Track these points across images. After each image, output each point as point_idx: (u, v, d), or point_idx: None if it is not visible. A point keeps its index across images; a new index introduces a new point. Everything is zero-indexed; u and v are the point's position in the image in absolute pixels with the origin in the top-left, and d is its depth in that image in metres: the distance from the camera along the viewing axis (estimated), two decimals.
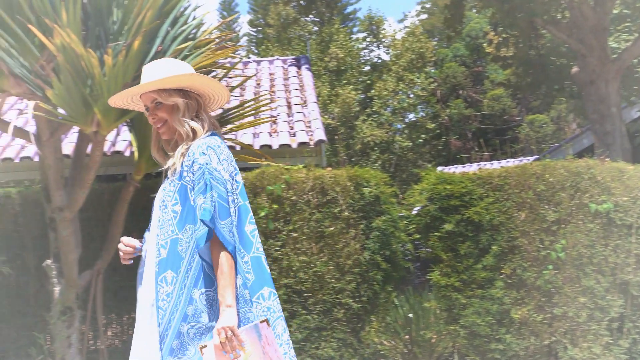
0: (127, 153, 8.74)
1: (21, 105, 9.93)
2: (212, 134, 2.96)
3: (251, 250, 2.87)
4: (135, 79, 5.41)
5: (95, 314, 6.93)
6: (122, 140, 8.96)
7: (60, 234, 6.44)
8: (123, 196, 6.66)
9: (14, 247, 7.40)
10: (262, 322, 2.77)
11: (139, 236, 7.07)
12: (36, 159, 8.62)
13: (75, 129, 7.31)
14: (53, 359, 6.80)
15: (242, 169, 7.51)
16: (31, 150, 8.80)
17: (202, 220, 2.72)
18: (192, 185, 2.83)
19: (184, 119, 2.95)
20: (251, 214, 2.92)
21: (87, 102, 5.46)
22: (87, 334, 6.94)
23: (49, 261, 6.75)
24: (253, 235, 2.89)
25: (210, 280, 2.77)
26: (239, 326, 2.75)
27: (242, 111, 6.87)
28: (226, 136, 7.16)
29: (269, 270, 2.91)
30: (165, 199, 2.95)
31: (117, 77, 5.20)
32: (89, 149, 7.19)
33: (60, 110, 5.67)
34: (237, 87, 7.08)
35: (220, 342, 2.68)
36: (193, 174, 2.83)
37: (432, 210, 7.44)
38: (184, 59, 5.65)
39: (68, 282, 6.61)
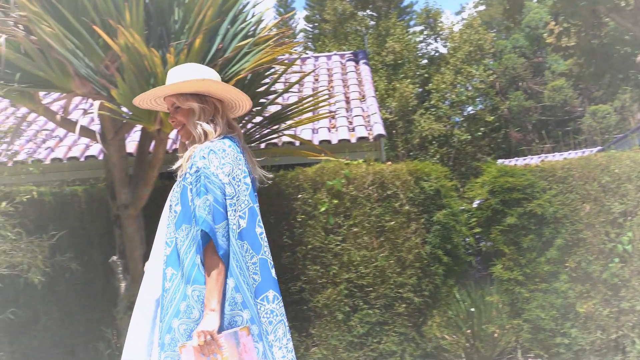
0: None
1: (85, 105, 10.14)
2: (225, 137, 3.04)
3: (260, 252, 2.95)
4: None
5: None
6: None
7: (125, 231, 6.57)
8: None
9: (81, 244, 7.56)
10: (241, 329, 2.81)
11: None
12: (100, 157, 8.79)
13: (138, 127, 7.44)
14: (120, 354, 6.92)
15: (301, 165, 7.57)
16: (96, 149, 8.99)
17: (202, 230, 2.81)
18: (191, 187, 2.93)
19: (199, 122, 3.05)
20: (259, 217, 2.99)
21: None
22: None
23: (114, 257, 6.89)
24: (262, 237, 2.98)
25: (203, 278, 2.83)
26: (224, 328, 2.81)
27: (301, 107, 6.90)
28: (285, 132, 7.20)
29: (274, 275, 2.99)
30: (172, 198, 3.10)
31: None
32: (151, 147, 7.33)
33: (124, 109, 5.78)
34: (296, 83, 7.10)
35: (199, 345, 2.75)
36: (192, 176, 2.94)
37: (494, 203, 7.35)
38: (244, 56, 5.70)
39: (134, 277, 6.73)
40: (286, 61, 7.27)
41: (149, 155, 7.08)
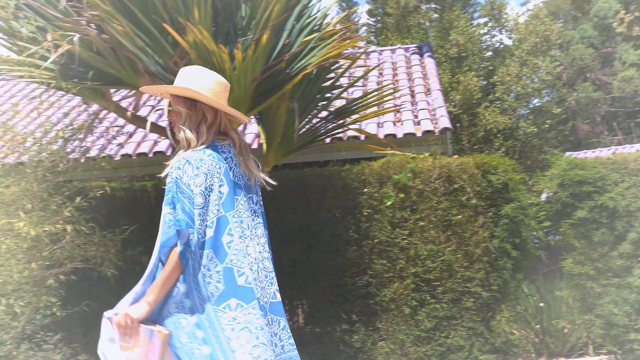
0: (254, 146, 8.93)
1: (153, 102, 10.32)
2: (209, 146, 3.10)
3: (224, 261, 3.00)
4: (264, 72, 5.53)
5: None
6: (249, 133, 9.16)
7: None
8: None
9: (150, 238, 7.66)
10: (158, 332, 2.92)
11: (270, 229, 7.18)
12: (169, 153, 8.93)
13: None
14: None
15: (367, 159, 7.56)
16: (164, 145, 9.13)
17: (177, 231, 2.96)
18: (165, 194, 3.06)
19: (183, 127, 3.13)
20: (231, 225, 3.03)
21: None
22: None
23: None
24: (229, 246, 3.02)
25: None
26: (163, 324, 2.98)
27: (366, 101, 6.89)
28: (351, 126, 7.19)
29: (241, 283, 3.00)
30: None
31: (247, 71, 5.32)
32: None
33: None
34: (361, 77, 7.10)
35: (119, 323, 2.95)
36: (167, 185, 3.05)
37: (564, 196, 7.23)
38: (310, 51, 5.71)
39: None
40: (351, 55, 7.27)
41: None
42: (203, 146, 3.10)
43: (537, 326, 7.94)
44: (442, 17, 27.88)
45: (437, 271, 7.09)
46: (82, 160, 6.89)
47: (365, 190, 7.32)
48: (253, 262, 3.09)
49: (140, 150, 9.16)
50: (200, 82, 3.14)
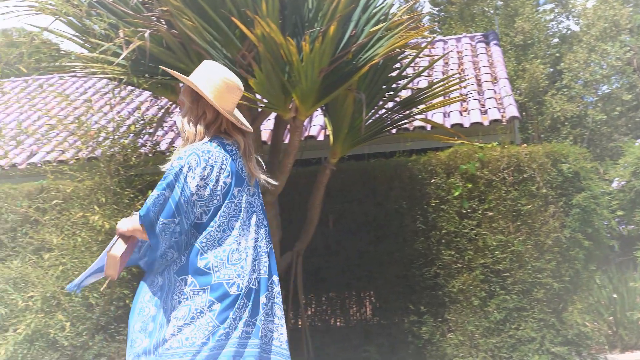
0: (320, 137, 8.94)
1: None
2: (215, 139, 3.19)
3: (197, 241, 3.12)
4: (331, 64, 5.53)
5: (296, 294, 7.17)
6: (315, 125, 9.18)
7: None
8: (320, 179, 6.83)
9: None
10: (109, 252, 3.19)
11: (336, 220, 7.27)
12: None
13: (271, 116, 7.58)
14: None
15: (433, 149, 7.51)
16: None
17: (140, 214, 3.09)
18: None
19: (183, 118, 3.25)
20: (221, 213, 3.15)
21: (285, 89, 5.65)
22: (289, 313, 7.20)
23: None
24: (209, 231, 3.13)
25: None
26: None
27: (432, 91, 6.83)
28: (417, 117, 7.14)
29: (201, 265, 3.11)
30: None
31: (314, 63, 5.33)
32: (285, 135, 7.46)
33: (259, 97, 5.90)
34: (428, 67, 7.04)
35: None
36: (167, 171, 3.15)
37: (638, 185, 7.05)
38: (377, 41, 5.69)
39: None
40: (417, 45, 7.22)
41: (282, 143, 7.22)
42: (207, 139, 3.18)
43: (610, 318, 7.79)
44: (507, 5, 27.43)
45: (506, 262, 7.01)
46: (151, 155, 7.02)
47: (433, 180, 7.27)
48: (236, 250, 3.17)
49: None
50: (210, 78, 3.21)
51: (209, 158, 3.10)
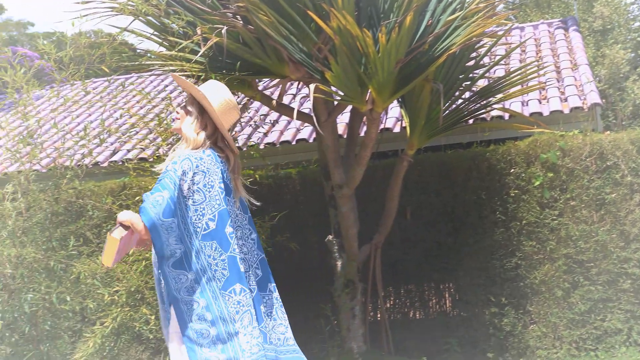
0: (396, 129, 8.90)
1: (293, 90, 10.46)
2: (208, 149, 3.41)
3: (229, 250, 3.29)
4: (408, 55, 5.49)
5: (375, 286, 7.16)
6: (390, 117, 9.13)
7: (340, 210, 6.73)
8: (397, 171, 6.80)
9: (296, 225, 7.83)
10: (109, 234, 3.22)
11: (413, 211, 7.24)
12: (311, 140, 9.05)
13: (346, 109, 7.58)
14: (339, 330, 7.13)
15: (512, 139, 7.38)
16: (306, 132, 9.26)
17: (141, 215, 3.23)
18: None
19: (189, 126, 3.47)
20: (232, 218, 3.34)
21: (362, 81, 5.64)
22: (367, 306, 7.19)
23: (330, 237, 7.08)
24: (231, 237, 3.30)
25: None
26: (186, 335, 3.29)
27: (509, 80, 6.71)
28: (495, 106, 7.03)
29: (242, 269, 3.30)
30: None
31: (390, 54, 5.30)
32: (361, 128, 7.44)
33: (334, 90, 5.91)
34: (506, 55, 6.93)
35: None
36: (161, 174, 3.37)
37: None
38: (453, 30, 5.62)
39: (349, 256, 6.90)
40: (494, 33, 7.10)
41: (358, 136, 7.21)
42: (203, 148, 3.41)
43: None
44: None
45: (590, 252, 6.84)
46: None
47: (512, 170, 7.16)
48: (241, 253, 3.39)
49: (283, 138, 9.33)
50: (218, 96, 3.48)
51: (201, 164, 3.32)
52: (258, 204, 3.73)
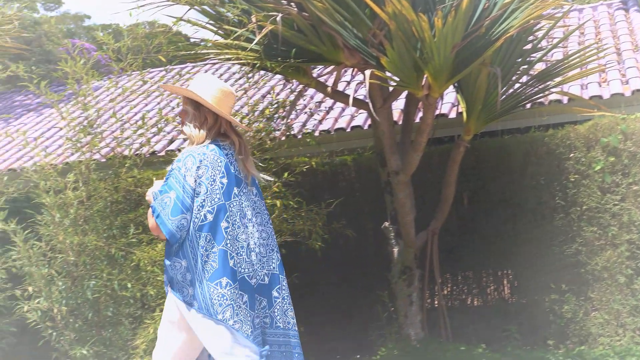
0: (451, 115, 8.80)
1: (348, 77, 10.43)
2: (212, 143, 3.58)
3: (221, 244, 3.42)
4: (465, 39, 5.42)
5: (432, 273, 7.13)
6: (446, 102, 9.04)
7: (396, 197, 6.70)
8: (453, 157, 6.73)
9: (352, 212, 7.82)
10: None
11: (470, 197, 7.13)
12: (366, 127, 9.02)
13: (401, 95, 7.52)
14: (397, 316, 7.12)
15: (571, 123, 7.25)
16: (360, 119, 9.23)
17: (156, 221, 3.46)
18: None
19: (189, 124, 3.64)
20: (228, 213, 3.47)
21: (417, 67, 5.59)
22: (425, 292, 7.16)
23: (386, 223, 7.06)
24: (227, 231, 3.44)
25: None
26: (176, 295, 3.52)
27: (568, 63, 6.57)
28: (553, 90, 6.90)
29: (232, 265, 3.43)
30: None
31: (447, 39, 5.24)
32: (416, 114, 7.39)
33: (389, 75, 5.86)
34: (565, 38, 6.80)
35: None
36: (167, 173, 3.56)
37: None
38: (511, 13, 5.53)
39: (406, 242, 6.87)
40: (552, 15, 6.96)
41: (414, 122, 7.16)
42: (207, 142, 3.57)
43: None
44: None
45: None
46: (283, 138, 7.12)
47: (572, 155, 7.02)
48: (246, 247, 3.51)
49: (338, 125, 9.32)
50: (207, 89, 3.61)
51: (204, 159, 3.48)
52: (270, 179, 3.97)
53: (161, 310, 6.57)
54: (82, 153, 6.31)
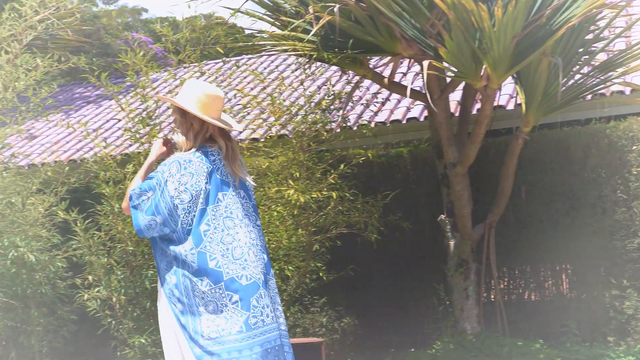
0: (509, 107, 8.68)
1: (403, 68, 10.36)
2: (199, 149, 3.61)
3: (199, 246, 3.48)
4: (525, 28, 5.33)
5: (488, 267, 7.05)
6: (503, 94, 8.91)
7: (453, 189, 6.64)
8: (512, 149, 6.63)
9: (408, 204, 7.78)
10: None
11: (528, 190, 6.97)
12: (422, 119, 8.94)
13: (459, 86, 7.44)
14: (452, 310, 7.06)
15: (634, 114, 7.08)
16: (416, 111, 9.15)
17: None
18: None
19: (177, 130, 3.69)
20: (209, 217, 3.52)
21: (476, 57, 5.52)
22: (481, 287, 7.09)
23: (443, 216, 7.00)
24: (205, 234, 3.49)
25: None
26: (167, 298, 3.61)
27: (631, 53, 6.41)
28: (615, 81, 6.74)
29: (212, 266, 3.47)
30: None
31: (507, 28, 5.17)
32: (473, 105, 7.31)
33: (447, 66, 5.80)
34: (629, 27, 6.62)
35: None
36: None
37: None
38: (573, 2, 5.42)
39: (463, 235, 6.80)
40: (615, 4, 6.79)
41: (470, 114, 7.09)
42: (193, 149, 3.60)
43: None
44: None
45: None
46: (339, 129, 7.10)
47: (634, 147, 6.88)
48: (233, 249, 3.54)
49: (393, 117, 9.26)
50: (192, 94, 3.64)
51: (189, 166, 3.53)
52: (254, 184, 3.94)
53: None
54: (140, 144, 6.39)
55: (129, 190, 3.61)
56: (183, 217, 3.51)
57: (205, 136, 3.65)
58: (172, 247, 3.55)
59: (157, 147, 3.77)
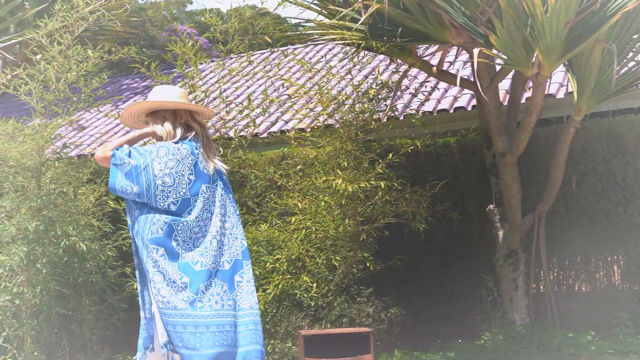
0: (559, 95, 8.55)
1: (451, 57, 10.27)
2: (186, 141, 3.83)
3: (176, 221, 3.70)
4: (578, 15, 5.23)
5: (538, 257, 6.95)
6: (554, 82, 8.78)
7: (502, 179, 6.56)
8: (563, 138, 6.52)
9: (455, 194, 7.71)
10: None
11: (579, 180, 6.85)
12: (469, 108, 8.86)
13: (508, 74, 7.34)
14: (501, 301, 6.99)
15: None
16: (464, 100, 9.07)
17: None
18: None
19: (155, 126, 3.89)
20: (192, 207, 3.75)
21: (528, 44, 5.43)
22: (530, 277, 7.00)
23: (491, 206, 6.92)
24: (186, 220, 3.72)
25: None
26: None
27: None
28: None
29: (173, 245, 3.67)
30: None
31: (560, 15, 5.07)
32: (522, 94, 7.20)
33: (497, 54, 5.72)
34: None
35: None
36: None
37: None
38: None
39: (512, 226, 6.72)
40: None
41: (520, 103, 6.99)
42: (177, 137, 3.83)
43: None
44: None
45: None
46: (386, 119, 7.06)
47: None
48: (196, 238, 3.74)
49: (440, 106, 9.19)
50: (151, 95, 3.96)
51: (176, 153, 3.74)
52: (227, 168, 4.08)
53: (264, 291, 6.68)
54: None
55: (111, 145, 3.75)
56: (160, 198, 3.68)
57: (180, 122, 3.89)
58: (142, 219, 3.71)
59: (148, 130, 3.91)
